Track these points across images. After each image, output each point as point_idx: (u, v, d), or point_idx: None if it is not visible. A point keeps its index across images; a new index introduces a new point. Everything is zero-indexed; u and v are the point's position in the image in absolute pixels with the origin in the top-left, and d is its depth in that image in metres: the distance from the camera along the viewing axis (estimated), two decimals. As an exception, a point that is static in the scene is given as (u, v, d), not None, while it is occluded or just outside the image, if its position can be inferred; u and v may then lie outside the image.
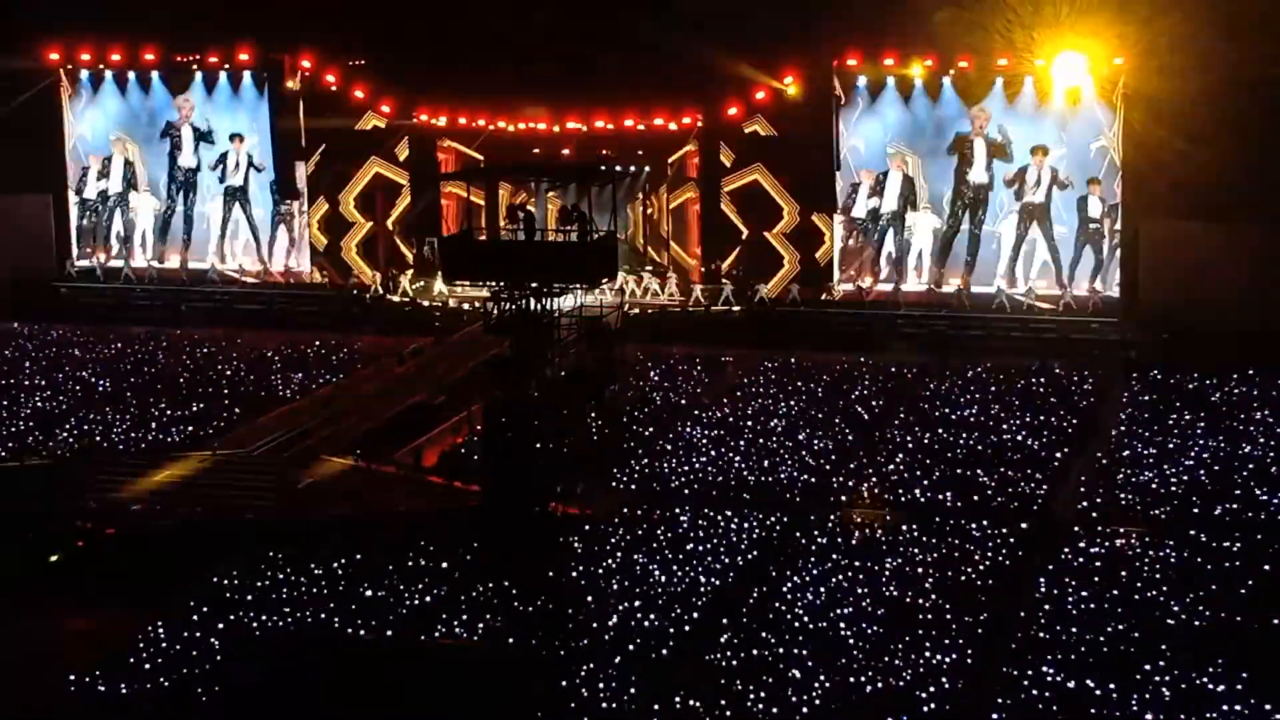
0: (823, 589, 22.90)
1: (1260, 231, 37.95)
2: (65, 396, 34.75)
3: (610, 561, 24.32)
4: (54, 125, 46.75)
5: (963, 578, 23.39)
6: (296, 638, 21.64)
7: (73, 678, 20.68)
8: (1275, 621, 21.40)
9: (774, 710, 19.22)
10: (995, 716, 19.02)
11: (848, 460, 29.49)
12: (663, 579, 23.45)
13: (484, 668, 20.26)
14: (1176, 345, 36.78)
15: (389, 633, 21.80)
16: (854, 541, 24.92)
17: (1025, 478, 28.02)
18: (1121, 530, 25.17)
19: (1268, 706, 18.80)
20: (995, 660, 20.77)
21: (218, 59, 45.72)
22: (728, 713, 19.21)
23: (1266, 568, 23.58)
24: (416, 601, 22.80)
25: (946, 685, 19.83)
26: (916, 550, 24.47)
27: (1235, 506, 26.36)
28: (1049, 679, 19.80)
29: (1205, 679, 19.55)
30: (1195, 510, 26.29)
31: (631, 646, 21.12)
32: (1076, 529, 25.59)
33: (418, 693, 19.50)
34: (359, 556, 24.51)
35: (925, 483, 27.89)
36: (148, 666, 20.84)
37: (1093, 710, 19.00)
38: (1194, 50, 36.24)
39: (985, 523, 25.69)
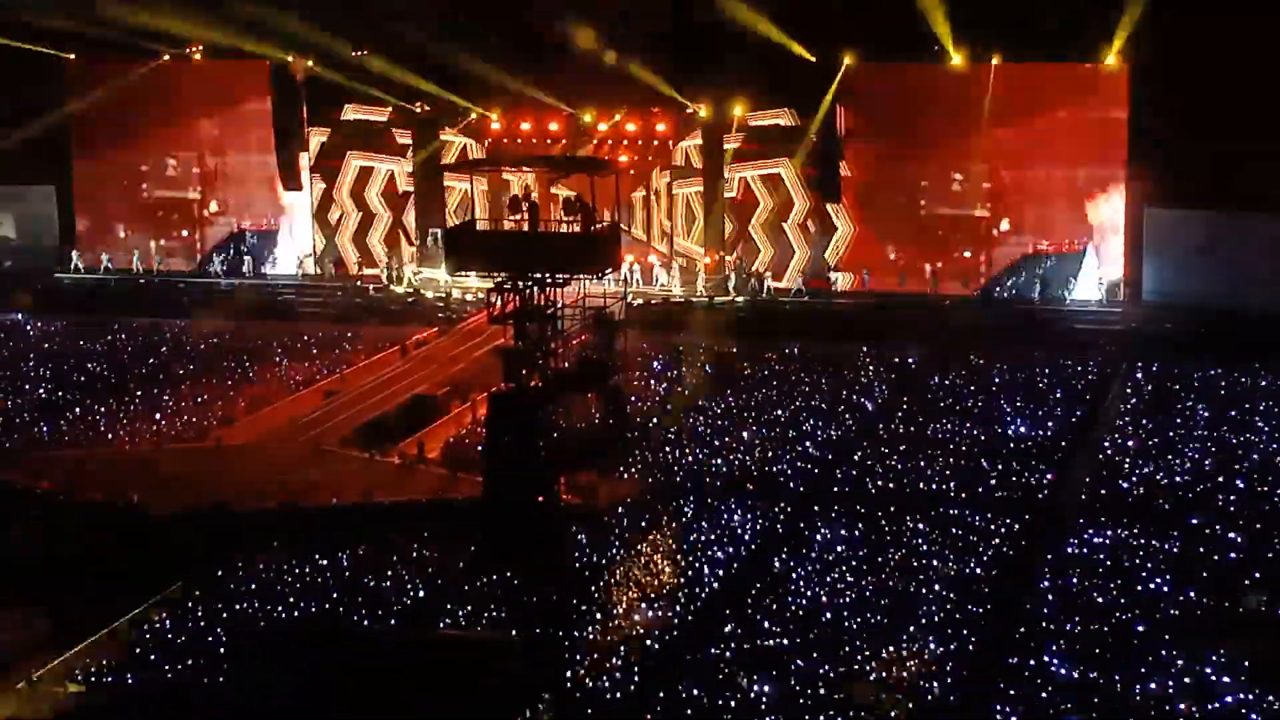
0: (826, 579, 22.89)
1: (1263, 220, 37.98)
2: (69, 387, 34.79)
3: (613, 551, 24.33)
4: (58, 118, 46.86)
5: (966, 568, 23.36)
6: (299, 629, 21.64)
7: (76, 669, 20.69)
8: (1278, 610, 21.39)
9: (777, 700, 19.20)
10: (999, 706, 19.00)
11: (851, 451, 29.48)
12: (666, 569, 23.45)
13: (487, 658, 20.26)
14: (1179, 335, 36.84)
15: (392, 623, 21.80)
16: (857, 532, 24.90)
17: (1029, 468, 27.99)
18: (1124, 520, 25.14)
19: (1270, 697, 18.78)
20: (999, 650, 20.76)
21: (221, 49, 45.79)
22: (731, 702, 19.20)
23: (1269, 556, 23.58)
24: (419, 592, 22.80)
25: (950, 675, 19.82)
26: (920, 541, 24.45)
27: (1237, 496, 26.34)
28: (1052, 669, 19.79)
29: (1207, 669, 19.55)
30: (1198, 500, 26.26)
31: (634, 636, 21.11)
32: (1080, 519, 25.59)
33: (421, 683, 19.51)
34: (361, 547, 24.53)
35: (929, 473, 27.88)
36: (151, 657, 20.86)
37: (1096, 700, 18.98)
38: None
39: (989, 514, 25.67)
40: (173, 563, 24.32)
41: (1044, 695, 19.10)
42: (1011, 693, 19.25)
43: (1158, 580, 22.51)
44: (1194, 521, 25.09)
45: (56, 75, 46.74)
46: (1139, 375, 34.32)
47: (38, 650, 21.67)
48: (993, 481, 27.51)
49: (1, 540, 25.49)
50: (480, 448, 28.40)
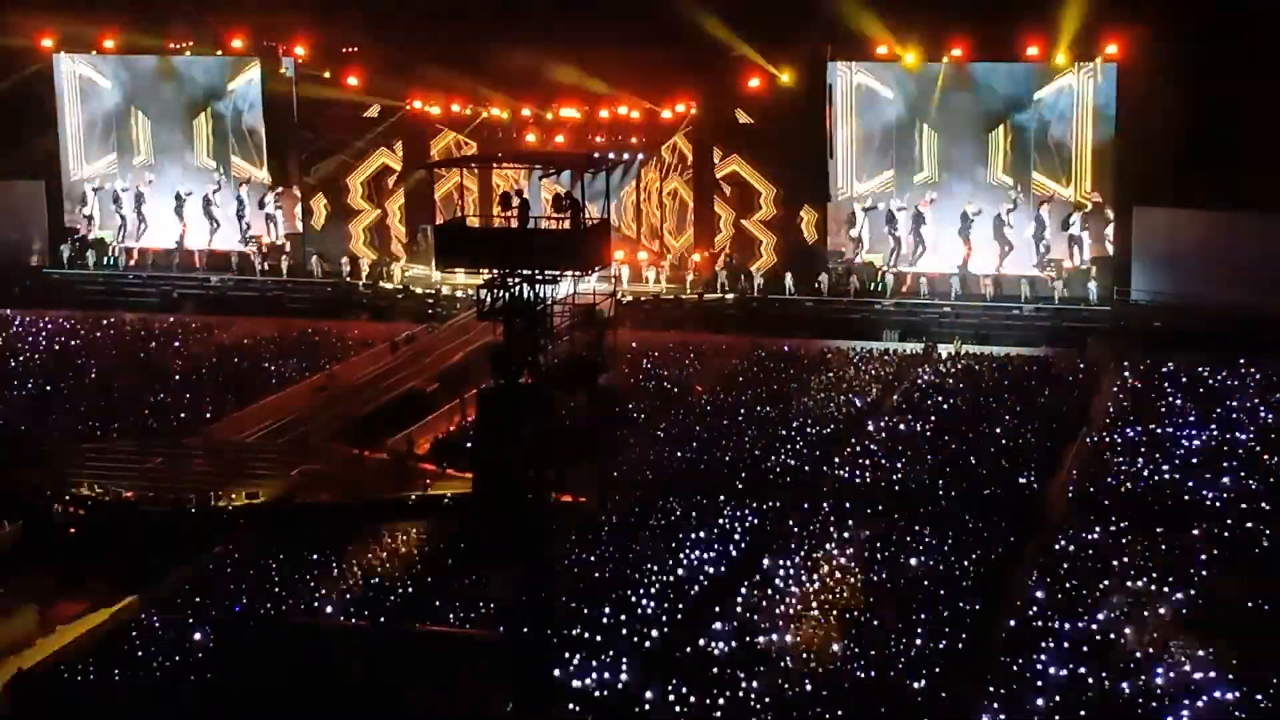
0: (814, 576, 22.90)
1: (1252, 219, 38.10)
2: (58, 383, 34.69)
3: (602, 549, 24.31)
4: (46, 112, 46.75)
5: (954, 566, 23.38)
6: (287, 623, 21.63)
7: (64, 664, 20.67)
8: (1265, 608, 21.45)
9: (766, 698, 19.22)
10: (987, 704, 19.04)
11: (840, 448, 29.49)
12: (655, 566, 23.44)
13: (475, 654, 20.25)
14: (1166, 333, 36.97)
15: (380, 619, 21.80)
16: (845, 530, 24.90)
17: (1017, 466, 28.00)
18: (1112, 518, 25.17)
19: (1258, 696, 18.84)
20: (987, 648, 20.80)
21: (211, 45, 45.74)
22: (720, 699, 19.22)
23: (1255, 553, 23.63)
24: (408, 588, 22.80)
25: (938, 673, 19.84)
26: (909, 539, 24.46)
27: (1225, 494, 26.39)
28: (1040, 667, 19.82)
29: (1194, 667, 19.59)
30: (1185, 497, 26.31)
31: (624, 633, 21.12)
32: (1067, 517, 25.63)
33: (409, 679, 19.51)
34: (350, 543, 24.51)
35: (917, 469, 27.88)
36: (139, 653, 20.84)
37: (1084, 698, 19.03)
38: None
39: (977, 511, 25.67)
40: (161, 557, 24.32)
41: (1032, 693, 19.14)
42: (1000, 690, 19.29)
43: (1145, 579, 22.56)
44: (1182, 519, 25.14)
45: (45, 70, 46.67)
46: (1127, 373, 34.39)
47: (26, 644, 21.67)
48: (981, 478, 27.53)
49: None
50: (469, 444, 28.38)
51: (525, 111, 44.01)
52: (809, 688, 19.41)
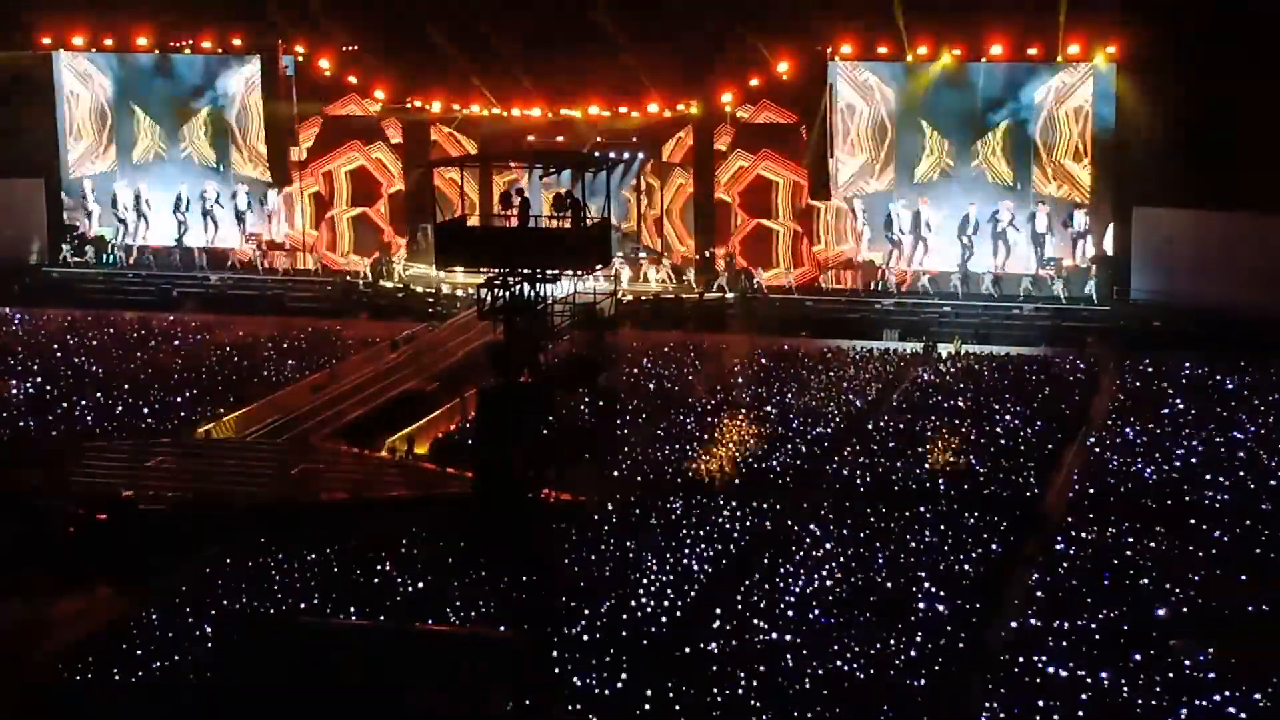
0: (814, 576, 22.89)
1: (1251, 219, 38.13)
2: (57, 381, 34.67)
3: (602, 548, 24.31)
4: (45, 109, 46.75)
5: (954, 566, 23.38)
6: (288, 623, 21.61)
7: (62, 663, 20.65)
8: (1265, 609, 21.44)
9: (765, 698, 19.21)
10: (986, 705, 19.04)
11: (840, 447, 29.49)
12: (654, 566, 23.44)
13: (475, 654, 20.24)
14: (1166, 333, 37.00)
15: (380, 618, 21.79)
16: (845, 529, 24.90)
17: (1017, 466, 28.00)
18: (1112, 518, 25.16)
19: (1256, 695, 18.84)
20: (987, 648, 20.79)
21: (211, 43, 45.78)
22: (719, 699, 19.21)
23: (1257, 553, 23.63)
24: (408, 587, 22.80)
25: (938, 673, 19.84)
26: (908, 538, 24.46)
27: (1225, 494, 26.39)
28: (1040, 666, 19.82)
29: (1194, 666, 19.59)
30: (1186, 499, 26.31)
31: (623, 633, 21.12)
32: (1068, 518, 25.63)
33: (408, 678, 19.50)
34: (351, 542, 24.52)
35: (917, 470, 27.87)
36: (139, 652, 20.83)
37: (1084, 698, 19.02)
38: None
39: (977, 511, 25.68)
40: (161, 557, 24.31)
41: (1032, 693, 19.13)
42: (1001, 691, 19.29)
43: (1145, 579, 22.56)
44: (1182, 519, 25.14)
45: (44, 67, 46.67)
46: (1127, 373, 34.40)
47: (25, 643, 21.66)
48: (981, 478, 27.53)
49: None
50: (469, 443, 28.39)
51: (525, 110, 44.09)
52: (809, 688, 19.40)
